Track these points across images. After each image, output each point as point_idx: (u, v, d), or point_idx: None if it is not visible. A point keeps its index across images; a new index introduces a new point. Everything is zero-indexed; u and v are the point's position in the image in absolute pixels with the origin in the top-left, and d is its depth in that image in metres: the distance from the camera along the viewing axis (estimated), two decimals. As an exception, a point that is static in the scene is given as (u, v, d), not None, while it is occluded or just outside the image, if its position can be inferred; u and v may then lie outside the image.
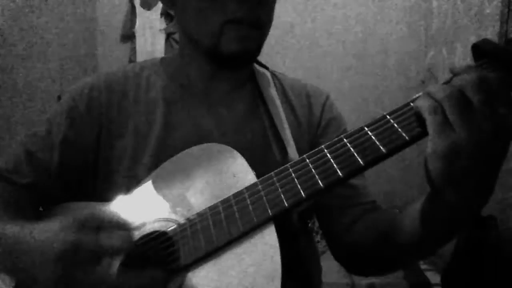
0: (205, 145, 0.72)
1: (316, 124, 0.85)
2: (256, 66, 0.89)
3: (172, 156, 0.73)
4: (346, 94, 3.12)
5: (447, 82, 0.53)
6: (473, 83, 0.49)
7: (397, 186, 2.96)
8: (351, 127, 0.89)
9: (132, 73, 0.84)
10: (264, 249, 0.58)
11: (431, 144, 0.50)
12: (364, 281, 2.35)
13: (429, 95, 0.52)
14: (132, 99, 0.81)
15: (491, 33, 2.21)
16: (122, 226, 0.58)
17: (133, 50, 3.30)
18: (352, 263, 0.81)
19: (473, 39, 2.42)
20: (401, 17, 3.28)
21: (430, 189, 0.57)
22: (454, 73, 0.53)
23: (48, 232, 0.57)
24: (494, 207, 2.03)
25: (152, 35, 3.27)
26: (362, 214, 0.78)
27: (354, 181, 0.79)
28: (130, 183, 0.74)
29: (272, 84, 0.86)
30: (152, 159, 0.75)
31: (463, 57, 2.54)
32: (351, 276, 2.54)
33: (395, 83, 3.30)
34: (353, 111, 3.03)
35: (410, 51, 3.29)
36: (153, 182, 0.72)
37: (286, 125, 0.81)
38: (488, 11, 2.26)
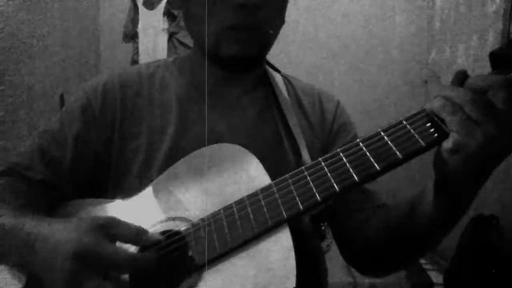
0: (218, 145, 0.72)
1: (328, 129, 0.84)
2: (269, 69, 0.89)
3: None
4: (349, 94, 3.12)
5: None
6: (494, 84, 0.50)
7: (401, 185, 2.96)
8: (356, 128, 0.89)
9: (145, 73, 0.84)
10: (278, 251, 0.58)
11: (454, 139, 0.51)
12: (366, 280, 2.36)
13: (444, 97, 0.52)
14: (146, 100, 0.81)
15: (493, 32, 2.21)
16: (137, 241, 0.60)
17: (136, 50, 3.30)
18: (364, 263, 0.81)
19: (475, 38, 2.42)
20: (404, 17, 3.28)
21: (437, 179, 0.59)
22: (463, 78, 0.54)
23: (65, 230, 0.58)
24: (496, 207, 2.02)
25: (154, 35, 3.27)
26: (372, 215, 0.78)
27: (367, 185, 0.79)
28: (142, 183, 0.74)
29: (284, 87, 0.86)
30: (165, 160, 0.75)
31: (465, 57, 2.54)
32: (354, 276, 2.55)
33: (398, 82, 3.30)
34: (356, 111, 3.02)
35: (412, 50, 3.29)
36: (166, 181, 0.72)
37: (299, 129, 0.81)
38: (490, 10, 2.26)
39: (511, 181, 1.93)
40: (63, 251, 0.55)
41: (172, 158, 0.75)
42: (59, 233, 0.58)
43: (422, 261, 2.60)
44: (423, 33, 3.26)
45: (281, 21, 0.80)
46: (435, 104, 0.53)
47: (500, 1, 2.15)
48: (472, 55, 2.45)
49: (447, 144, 0.52)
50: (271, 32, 0.78)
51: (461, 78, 0.55)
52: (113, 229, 0.59)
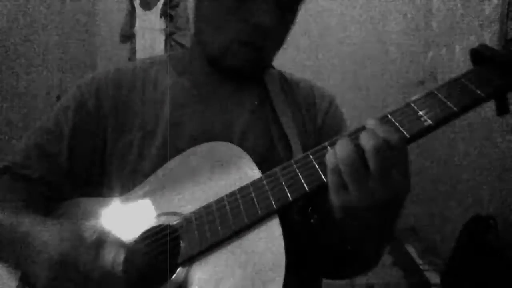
0: (211, 143, 0.73)
1: (320, 126, 0.85)
2: None
3: (178, 153, 0.74)
4: (346, 95, 3.13)
5: (357, 132, 0.58)
6: (373, 149, 0.52)
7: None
8: (351, 127, 0.89)
9: (140, 69, 0.85)
10: (268, 241, 0.59)
11: (330, 197, 0.56)
12: (364, 281, 2.36)
13: (334, 153, 0.55)
14: (140, 95, 0.82)
15: (490, 33, 2.22)
16: (121, 249, 0.60)
17: (133, 50, 3.30)
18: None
19: (473, 40, 2.43)
20: (401, 18, 3.29)
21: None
22: (367, 126, 0.57)
23: (54, 233, 0.59)
24: (493, 207, 2.03)
25: (151, 35, 3.27)
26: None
27: None
28: (136, 179, 0.75)
29: (279, 83, 0.87)
30: (158, 155, 0.76)
31: (462, 58, 2.55)
32: (351, 276, 2.55)
33: (395, 83, 3.31)
34: (353, 111, 3.02)
35: (409, 51, 3.30)
36: (161, 178, 0.73)
37: (292, 125, 0.81)
38: (487, 11, 2.26)
39: (508, 181, 1.93)
40: (51, 254, 0.57)
41: (165, 153, 0.75)
42: (48, 235, 0.59)
43: (420, 261, 2.61)
44: (420, 33, 3.27)
45: (283, 44, 0.83)
46: (327, 156, 0.56)
47: (497, 2, 2.15)
48: (468, 56, 2.46)
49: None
50: (274, 51, 0.81)
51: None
52: (100, 238, 0.59)
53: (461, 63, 2.55)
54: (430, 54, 3.13)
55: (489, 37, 2.22)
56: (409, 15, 3.29)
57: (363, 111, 3.10)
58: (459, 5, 2.65)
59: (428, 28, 3.19)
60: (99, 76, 0.83)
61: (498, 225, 1.85)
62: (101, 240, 0.58)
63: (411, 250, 2.81)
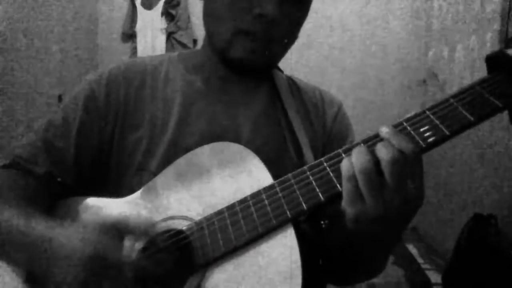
0: (220, 143, 0.72)
1: (328, 132, 0.85)
2: (274, 69, 0.89)
3: (186, 151, 0.73)
4: (348, 94, 3.13)
5: (372, 139, 0.57)
6: (389, 161, 0.52)
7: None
8: (354, 128, 0.89)
9: (151, 66, 0.84)
10: (283, 250, 0.58)
11: (343, 206, 0.55)
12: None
13: (350, 161, 0.54)
14: (150, 92, 0.81)
15: (491, 33, 2.21)
16: (145, 234, 0.60)
17: (134, 50, 3.31)
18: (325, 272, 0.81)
19: (473, 39, 2.42)
20: (402, 17, 3.29)
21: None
22: (381, 136, 0.56)
23: (76, 235, 0.58)
24: (494, 206, 2.03)
25: (153, 35, 3.28)
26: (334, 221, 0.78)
27: None
28: (143, 177, 0.75)
29: (288, 87, 0.87)
30: (166, 153, 0.75)
31: (463, 57, 2.54)
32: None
33: (396, 83, 3.31)
34: (355, 111, 3.03)
35: (411, 51, 3.29)
36: (168, 179, 0.72)
37: (302, 128, 0.81)
38: (488, 11, 2.26)
39: (509, 180, 1.93)
40: (78, 257, 0.56)
41: (173, 151, 0.75)
42: (70, 238, 0.58)
43: (421, 260, 2.61)
44: (421, 32, 3.26)
45: (295, 38, 0.81)
46: (343, 163, 0.55)
47: (498, 1, 2.15)
48: (470, 55, 2.46)
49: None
50: (283, 46, 0.79)
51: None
52: (123, 229, 0.59)
53: (462, 63, 2.55)
54: (431, 53, 3.12)
55: (490, 37, 2.22)
56: (410, 15, 3.28)
57: (366, 111, 3.10)
58: (460, 4, 2.65)
59: (429, 27, 3.18)
60: (109, 71, 0.82)
61: (499, 224, 1.85)
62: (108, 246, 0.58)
63: (412, 249, 2.81)
